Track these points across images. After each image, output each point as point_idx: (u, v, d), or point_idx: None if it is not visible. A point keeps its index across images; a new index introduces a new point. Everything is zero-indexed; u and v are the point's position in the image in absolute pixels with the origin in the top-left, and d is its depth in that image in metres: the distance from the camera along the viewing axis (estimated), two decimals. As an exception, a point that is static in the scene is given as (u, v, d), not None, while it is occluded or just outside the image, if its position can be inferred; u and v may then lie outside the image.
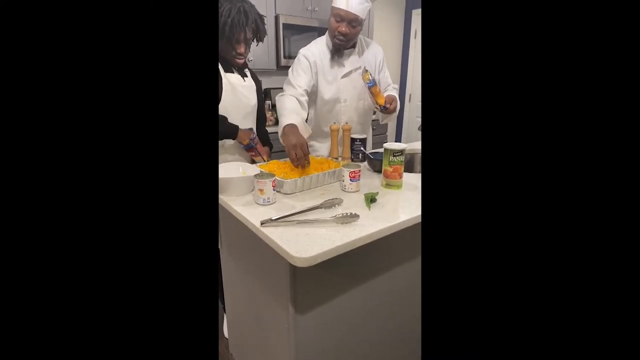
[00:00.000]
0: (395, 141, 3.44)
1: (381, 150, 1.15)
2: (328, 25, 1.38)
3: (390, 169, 1.08)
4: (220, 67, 1.24)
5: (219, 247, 1.25)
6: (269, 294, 0.93)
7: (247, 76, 1.36)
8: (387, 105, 1.34)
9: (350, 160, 1.39)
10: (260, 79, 1.48)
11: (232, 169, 1.11)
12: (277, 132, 1.26)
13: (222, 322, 1.57)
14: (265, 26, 1.25)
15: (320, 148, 1.59)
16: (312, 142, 1.64)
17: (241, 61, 1.27)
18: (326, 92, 1.45)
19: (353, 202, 0.97)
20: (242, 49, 1.23)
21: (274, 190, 0.96)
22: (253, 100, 1.38)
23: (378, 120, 1.60)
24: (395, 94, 1.53)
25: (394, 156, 1.06)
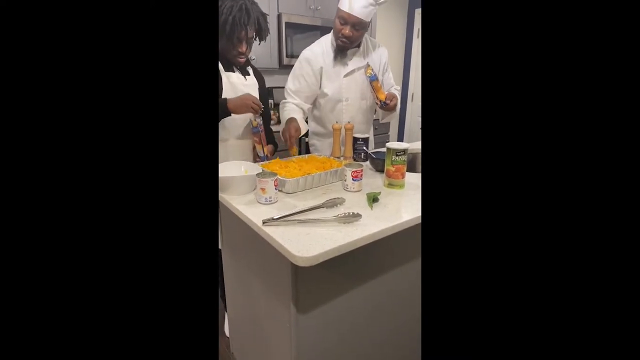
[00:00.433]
0: (398, 141, 3.43)
1: (383, 149, 1.15)
2: (333, 26, 1.38)
3: (393, 169, 1.07)
4: (220, 66, 1.23)
5: (220, 246, 1.25)
6: (271, 293, 0.93)
7: (249, 74, 1.35)
8: (388, 102, 1.34)
9: (352, 160, 1.38)
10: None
11: (234, 167, 1.11)
12: (280, 132, 1.34)
13: (224, 321, 1.57)
14: (268, 24, 1.24)
15: (322, 147, 1.59)
16: (313, 141, 1.63)
17: (242, 60, 1.25)
18: (328, 90, 1.45)
19: (355, 202, 0.97)
20: (243, 48, 1.21)
21: (275, 189, 0.95)
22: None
23: (378, 119, 1.60)
24: (397, 94, 1.53)
25: (396, 156, 1.06)
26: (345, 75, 1.44)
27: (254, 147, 1.38)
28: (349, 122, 1.40)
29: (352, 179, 1.04)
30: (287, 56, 2.53)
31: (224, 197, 1.00)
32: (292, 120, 1.34)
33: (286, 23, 2.47)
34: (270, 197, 0.94)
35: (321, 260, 0.72)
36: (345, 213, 0.85)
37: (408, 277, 1.05)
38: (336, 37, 1.38)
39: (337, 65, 1.44)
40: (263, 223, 0.82)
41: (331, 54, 1.43)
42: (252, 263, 1.03)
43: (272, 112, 1.48)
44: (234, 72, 1.28)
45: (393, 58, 3.65)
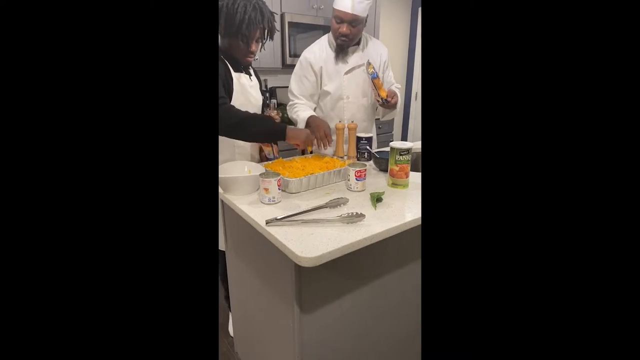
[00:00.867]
0: (402, 140, 3.42)
1: (387, 149, 1.15)
2: (331, 28, 1.39)
3: (397, 168, 1.07)
4: (229, 67, 1.22)
5: (225, 248, 1.25)
6: (274, 293, 0.93)
7: (252, 75, 1.35)
8: (389, 99, 1.34)
9: (355, 159, 1.38)
10: (265, 77, 1.48)
11: (237, 168, 1.11)
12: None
13: (228, 321, 1.57)
14: (275, 23, 1.24)
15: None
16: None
17: (251, 59, 1.25)
18: (329, 89, 1.45)
19: (359, 202, 0.97)
20: (254, 47, 1.21)
21: (279, 189, 0.95)
22: (259, 99, 1.37)
23: (379, 118, 1.60)
24: (398, 92, 1.53)
25: (400, 155, 1.05)
26: (346, 73, 1.45)
27: (261, 149, 1.39)
28: (352, 122, 1.39)
29: (356, 179, 1.04)
30: (290, 56, 2.53)
31: (228, 197, 1.00)
32: (315, 118, 1.33)
33: (289, 22, 2.47)
34: (274, 197, 0.94)
35: (325, 260, 0.71)
36: (348, 213, 0.84)
37: (412, 277, 1.05)
38: (335, 37, 1.39)
39: (338, 64, 1.44)
40: (266, 223, 0.82)
41: (331, 53, 1.44)
42: (256, 263, 1.03)
43: (275, 111, 1.48)
44: (241, 72, 1.28)
45: (396, 57, 3.64)
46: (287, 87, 1.53)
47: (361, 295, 0.93)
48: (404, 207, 0.95)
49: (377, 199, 0.95)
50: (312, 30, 2.58)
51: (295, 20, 2.50)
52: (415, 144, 1.33)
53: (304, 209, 0.89)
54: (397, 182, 1.08)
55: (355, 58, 1.45)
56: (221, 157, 1.24)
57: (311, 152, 1.36)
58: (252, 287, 1.08)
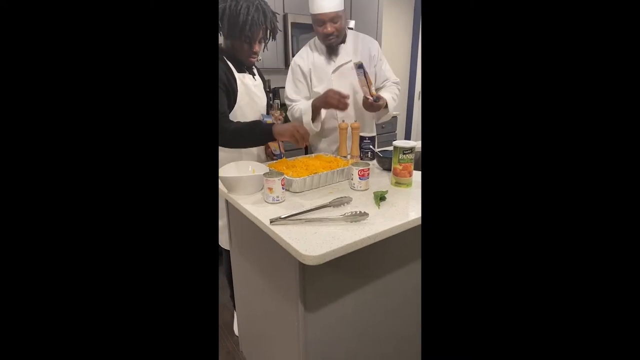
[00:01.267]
0: (405, 139, 3.40)
1: (390, 148, 1.15)
2: (316, 33, 1.41)
3: (400, 167, 1.07)
4: (232, 68, 1.23)
5: (229, 247, 1.26)
6: (279, 291, 0.94)
7: (255, 74, 1.36)
8: (373, 98, 1.33)
9: (359, 159, 1.38)
10: (269, 78, 1.49)
11: (241, 167, 1.12)
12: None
13: (233, 320, 1.58)
14: (278, 23, 1.25)
15: (321, 145, 1.59)
16: (311, 140, 1.63)
17: (254, 60, 1.26)
18: (319, 89, 1.45)
19: (362, 201, 0.97)
20: (258, 48, 1.22)
21: (283, 188, 0.96)
22: (264, 99, 1.38)
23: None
24: (395, 89, 1.53)
25: (403, 154, 1.05)
26: (333, 72, 1.45)
27: (267, 146, 1.40)
28: (355, 121, 1.39)
29: (359, 178, 1.04)
30: (293, 56, 2.53)
31: (232, 196, 1.01)
32: (316, 99, 1.34)
33: (292, 23, 2.47)
34: (278, 197, 0.95)
35: (328, 259, 0.72)
36: (352, 212, 0.85)
37: (415, 275, 1.05)
38: (323, 40, 1.40)
39: (329, 63, 1.45)
40: (270, 222, 0.83)
41: (318, 56, 1.46)
42: (260, 262, 1.03)
43: (279, 111, 1.49)
44: (245, 72, 1.28)
45: (399, 56, 3.63)
46: (290, 87, 1.53)
47: (364, 293, 0.93)
48: (407, 206, 0.95)
49: (380, 197, 0.96)
50: (314, 31, 2.58)
51: (298, 20, 2.50)
52: (418, 143, 1.32)
53: (308, 208, 0.90)
54: (400, 181, 1.08)
55: (342, 56, 1.45)
56: (228, 157, 1.26)
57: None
58: (257, 286, 1.09)
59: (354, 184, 1.06)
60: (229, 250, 1.30)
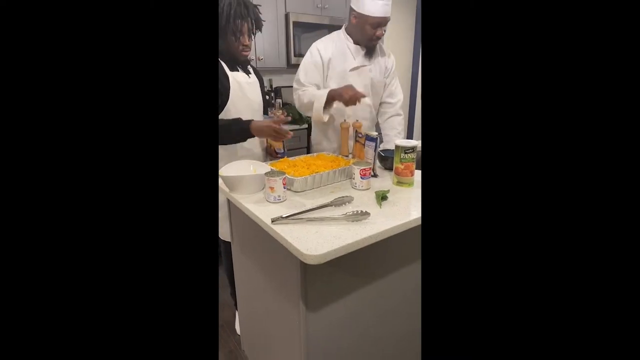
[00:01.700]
0: (407, 138, 3.40)
1: (392, 147, 1.15)
2: (361, 32, 1.41)
3: (402, 167, 1.07)
4: (225, 66, 1.25)
5: (230, 238, 1.26)
6: (280, 291, 0.94)
7: (250, 73, 1.37)
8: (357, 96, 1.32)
9: (363, 158, 1.38)
10: (270, 77, 1.49)
11: (243, 167, 1.12)
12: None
13: (235, 318, 1.59)
14: (261, 15, 1.28)
15: (324, 141, 1.59)
16: (315, 136, 1.63)
17: (247, 53, 1.29)
18: (333, 84, 1.46)
19: (364, 200, 0.97)
20: (247, 41, 1.25)
21: (284, 188, 0.96)
22: (259, 97, 1.39)
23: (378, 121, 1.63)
24: (397, 124, 1.59)
25: (405, 153, 1.05)
26: (351, 70, 1.46)
27: (269, 145, 1.40)
28: (357, 121, 1.39)
29: (361, 177, 1.04)
30: (295, 55, 2.54)
31: (234, 196, 1.01)
32: (333, 89, 1.33)
33: (294, 22, 2.47)
34: (279, 196, 0.95)
35: (330, 258, 0.72)
36: (353, 211, 0.85)
37: (416, 275, 1.05)
38: (369, 41, 1.43)
39: (346, 61, 1.46)
40: (272, 221, 0.83)
41: (343, 51, 1.46)
42: (261, 261, 1.04)
43: (281, 111, 1.49)
44: (238, 71, 1.30)
45: (401, 56, 3.63)
46: (292, 87, 1.53)
47: (365, 293, 0.93)
48: (409, 205, 0.95)
49: (382, 197, 0.95)
50: (316, 30, 2.58)
51: (299, 19, 2.50)
52: (420, 143, 1.32)
53: (309, 207, 0.90)
54: (402, 180, 1.08)
55: (363, 57, 1.47)
56: (224, 153, 1.26)
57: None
58: (258, 285, 1.09)
59: (355, 183, 1.06)
60: (229, 246, 1.30)
